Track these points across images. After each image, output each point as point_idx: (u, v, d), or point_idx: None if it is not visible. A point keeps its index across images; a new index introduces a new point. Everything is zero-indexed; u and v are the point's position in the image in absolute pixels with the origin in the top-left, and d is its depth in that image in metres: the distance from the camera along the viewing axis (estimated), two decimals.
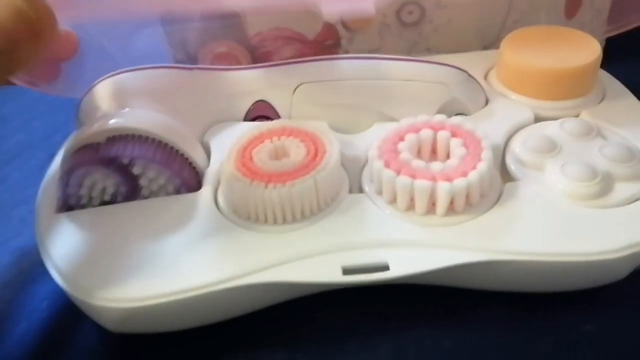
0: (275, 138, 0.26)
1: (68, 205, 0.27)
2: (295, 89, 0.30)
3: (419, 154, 0.26)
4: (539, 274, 0.23)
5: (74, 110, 0.30)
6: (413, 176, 0.24)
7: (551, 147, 0.26)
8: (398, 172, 0.24)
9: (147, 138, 0.26)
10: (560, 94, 0.29)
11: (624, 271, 0.24)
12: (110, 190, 0.26)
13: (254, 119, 0.31)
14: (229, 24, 0.37)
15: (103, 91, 0.29)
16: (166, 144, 0.26)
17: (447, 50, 0.38)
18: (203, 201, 0.26)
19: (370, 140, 0.28)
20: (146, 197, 0.27)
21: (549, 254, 0.23)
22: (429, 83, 0.29)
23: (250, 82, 0.30)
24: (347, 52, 0.38)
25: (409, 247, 0.23)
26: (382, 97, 0.29)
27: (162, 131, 0.26)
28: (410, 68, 0.29)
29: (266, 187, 0.24)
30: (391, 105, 0.29)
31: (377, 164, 0.25)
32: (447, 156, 0.26)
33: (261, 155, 0.25)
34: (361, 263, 0.23)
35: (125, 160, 0.26)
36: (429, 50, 0.39)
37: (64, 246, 0.25)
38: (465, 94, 0.29)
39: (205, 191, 0.26)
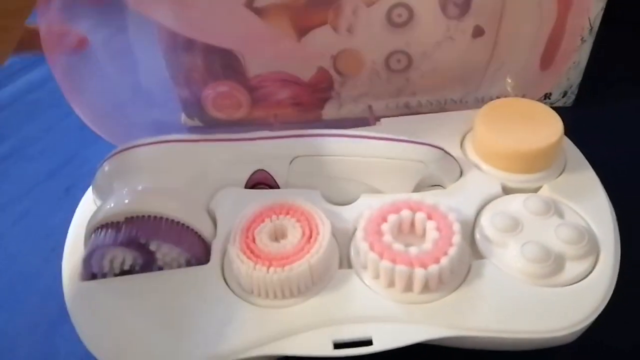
0: (274, 217, 0.30)
1: (92, 274, 0.30)
2: (292, 160, 0.33)
3: (400, 228, 0.30)
4: (498, 345, 0.28)
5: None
6: (394, 260, 0.28)
7: (514, 226, 0.30)
8: (381, 256, 0.28)
9: (161, 219, 0.30)
10: (525, 168, 0.33)
11: (572, 340, 0.28)
12: (128, 262, 0.30)
13: (254, 186, 0.34)
14: (230, 65, 0.40)
15: (117, 165, 0.33)
16: (178, 222, 0.30)
17: (431, 94, 0.41)
18: (211, 275, 0.30)
19: (357, 213, 0.32)
20: (160, 267, 0.30)
21: (504, 332, 0.27)
22: (408, 161, 0.32)
23: (252, 153, 0.34)
24: (339, 95, 0.42)
25: (391, 322, 0.27)
26: (367, 171, 0.33)
27: (174, 211, 0.30)
28: (392, 147, 0.33)
29: (268, 271, 0.28)
30: (376, 179, 0.33)
31: (363, 246, 0.29)
32: (424, 232, 0.30)
33: (262, 237, 0.29)
34: (349, 338, 0.27)
35: (143, 240, 0.29)
36: (415, 94, 0.42)
37: (90, 314, 0.29)
38: (441, 170, 0.33)
39: (214, 265, 0.30)
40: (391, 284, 0.28)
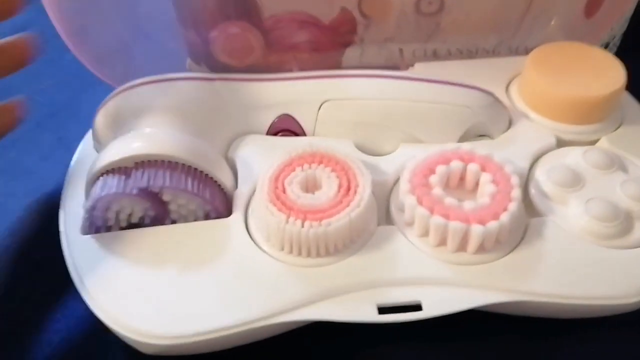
0: (306, 165, 0.26)
1: (95, 227, 0.26)
2: (321, 105, 0.30)
3: (448, 181, 0.27)
4: (560, 312, 0.25)
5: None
6: (446, 216, 0.24)
7: (575, 181, 0.27)
8: (431, 211, 0.25)
9: (176, 164, 0.26)
10: (582, 119, 0.30)
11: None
12: (138, 214, 0.26)
13: (276, 133, 0.30)
14: (243, 4, 0.35)
15: (120, 106, 0.29)
16: (196, 169, 0.26)
17: (462, 42, 0.37)
18: (235, 229, 0.26)
19: (397, 165, 0.28)
20: (174, 221, 0.27)
21: (569, 297, 0.24)
22: (455, 106, 0.29)
23: (275, 95, 0.30)
24: (362, 40, 0.38)
25: (441, 285, 0.24)
26: (407, 117, 0.29)
27: (191, 156, 0.26)
28: (437, 90, 0.29)
29: (303, 225, 0.24)
30: (416, 127, 0.29)
31: (409, 200, 0.25)
32: (476, 187, 0.27)
33: (294, 187, 0.25)
34: (395, 302, 0.24)
35: (156, 189, 0.25)
36: (445, 41, 0.38)
37: (95, 274, 0.25)
38: (490, 118, 0.29)
39: (237, 218, 0.26)
40: (442, 242, 0.25)
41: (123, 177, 0.26)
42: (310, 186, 0.26)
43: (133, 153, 0.26)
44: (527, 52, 0.36)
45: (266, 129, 0.30)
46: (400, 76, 0.30)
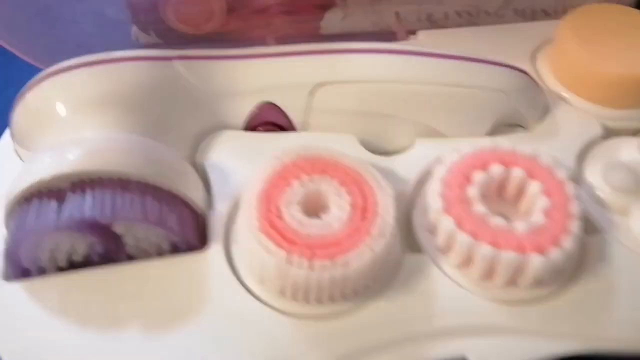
0: (305, 177, 0.20)
1: (21, 270, 0.19)
2: (313, 89, 0.23)
3: (487, 190, 0.21)
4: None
5: None
6: (495, 243, 0.19)
7: (638, 184, 0.22)
8: (475, 236, 0.19)
9: (128, 182, 0.19)
10: (630, 101, 0.24)
11: None
12: (81, 251, 0.19)
13: (256, 127, 0.23)
14: None
15: (48, 97, 0.21)
16: (155, 187, 0.19)
17: (462, 2, 0.31)
18: (215, 267, 0.19)
19: (415, 167, 0.22)
20: (132, 257, 0.20)
21: None
22: (486, 90, 0.23)
23: (254, 78, 0.23)
24: (345, 2, 0.31)
25: (491, 334, 0.19)
26: (424, 105, 0.23)
27: (149, 169, 0.19)
28: (462, 70, 0.23)
29: (311, 266, 0.18)
30: (436, 117, 0.23)
31: (446, 223, 0.19)
32: (518, 196, 0.21)
33: (292, 210, 0.19)
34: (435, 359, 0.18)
35: (104, 219, 0.18)
36: (441, 2, 0.32)
37: (21, 341, 0.18)
38: (526, 104, 0.24)
39: (215, 251, 0.20)
40: (488, 275, 0.19)
41: (55, 203, 0.18)
42: (313, 207, 0.20)
43: (69, 170, 0.18)
44: (534, 16, 0.31)
45: (243, 122, 0.23)
46: (415, 51, 0.23)
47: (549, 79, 0.26)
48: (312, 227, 0.19)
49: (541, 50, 0.27)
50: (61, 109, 0.21)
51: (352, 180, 0.20)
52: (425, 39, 0.28)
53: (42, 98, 0.21)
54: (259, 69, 0.23)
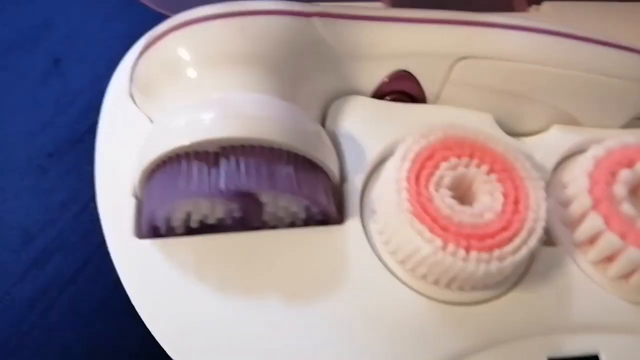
0: (453, 160, 0.19)
1: (155, 230, 0.19)
2: (454, 63, 0.22)
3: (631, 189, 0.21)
4: None
5: None
6: None
7: None
8: (623, 237, 0.19)
9: (280, 152, 0.18)
10: None
11: None
12: (218, 215, 0.19)
13: (383, 96, 0.22)
14: None
15: (182, 50, 0.20)
16: (304, 158, 0.19)
17: None
18: (354, 243, 0.19)
19: (552, 153, 0.22)
20: (265, 223, 0.19)
21: None
22: (635, 82, 0.22)
23: (393, 42, 0.22)
24: None
25: (625, 334, 0.19)
26: (567, 91, 0.22)
27: (299, 140, 0.18)
28: (607, 58, 0.22)
29: (466, 257, 0.17)
30: (573, 103, 0.22)
31: (594, 220, 0.19)
32: None
33: (444, 195, 0.19)
34: (569, 353, 0.18)
35: (256, 191, 0.18)
36: None
37: (159, 294, 0.18)
38: None
39: (353, 227, 0.19)
40: (626, 275, 0.19)
41: (205, 167, 0.18)
42: (461, 193, 0.19)
43: (224, 134, 0.18)
44: None
45: (372, 89, 0.22)
46: (559, 32, 0.22)
47: None
48: (463, 215, 0.18)
49: None
50: (198, 64, 0.20)
51: (501, 167, 0.19)
52: (551, 11, 0.27)
53: (175, 50, 0.20)
54: (399, 34, 0.22)
